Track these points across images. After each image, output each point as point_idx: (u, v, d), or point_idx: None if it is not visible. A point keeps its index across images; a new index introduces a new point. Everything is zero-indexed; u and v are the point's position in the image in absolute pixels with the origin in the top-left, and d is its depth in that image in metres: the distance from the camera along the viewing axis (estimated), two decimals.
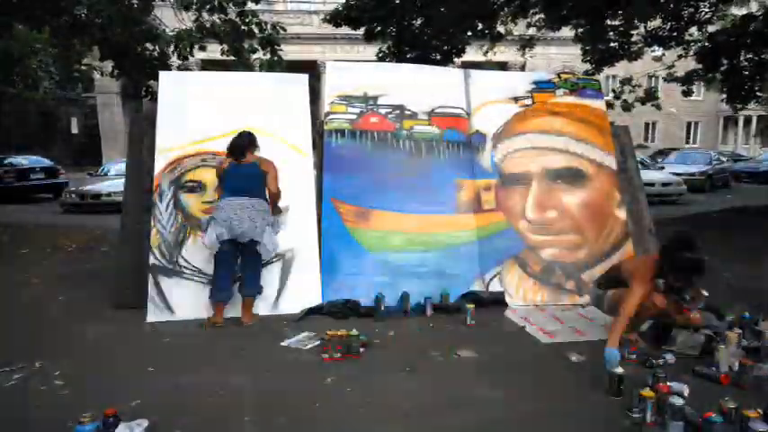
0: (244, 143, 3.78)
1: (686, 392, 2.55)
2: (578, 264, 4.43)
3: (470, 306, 3.75)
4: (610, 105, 9.71)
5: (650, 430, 2.32)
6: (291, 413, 2.49)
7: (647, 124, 29.45)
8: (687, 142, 30.52)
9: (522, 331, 3.65)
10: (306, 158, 4.38)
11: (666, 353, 3.12)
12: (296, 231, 4.17)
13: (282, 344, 3.33)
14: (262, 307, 3.93)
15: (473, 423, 2.42)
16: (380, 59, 9.86)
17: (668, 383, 2.53)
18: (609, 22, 9.44)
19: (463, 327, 3.69)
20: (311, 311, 3.91)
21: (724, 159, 17.22)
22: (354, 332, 3.20)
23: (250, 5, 7.89)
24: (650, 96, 11.27)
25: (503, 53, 12.19)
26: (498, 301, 4.14)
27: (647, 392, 2.37)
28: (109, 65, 8.87)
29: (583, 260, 4.45)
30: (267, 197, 3.77)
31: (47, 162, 13.09)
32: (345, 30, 10.24)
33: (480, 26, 9.68)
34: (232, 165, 3.73)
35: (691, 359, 3.08)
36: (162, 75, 4.55)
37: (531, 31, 10.77)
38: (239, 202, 3.62)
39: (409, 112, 4.59)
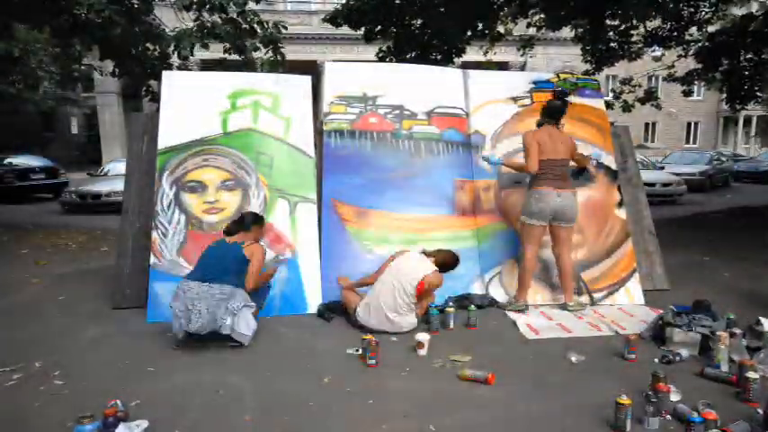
0: (235, 225, 3.57)
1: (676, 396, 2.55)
2: (578, 263, 4.42)
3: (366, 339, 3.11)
4: (609, 106, 9.72)
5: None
6: (291, 413, 2.49)
7: (646, 124, 29.46)
8: (687, 142, 30.54)
9: (520, 331, 3.65)
10: (308, 159, 4.38)
11: (682, 349, 3.13)
12: (297, 232, 4.19)
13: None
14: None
15: (473, 423, 2.42)
16: (380, 60, 9.87)
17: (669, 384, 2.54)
18: (609, 22, 9.45)
19: (464, 328, 3.70)
20: (327, 309, 3.90)
21: (724, 159, 17.22)
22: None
23: (251, 5, 7.89)
24: (650, 96, 11.27)
25: (503, 53, 12.21)
26: (492, 303, 4.13)
27: (623, 400, 2.31)
28: (109, 64, 8.89)
29: (582, 260, 4.45)
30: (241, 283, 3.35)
31: (47, 162, 13.09)
32: (345, 30, 10.24)
33: (480, 26, 9.69)
34: (216, 241, 3.48)
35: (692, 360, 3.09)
36: (164, 74, 4.56)
37: (531, 31, 10.78)
38: (198, 291, 3.21)
39: (408, 113, 4.60)
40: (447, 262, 3.76)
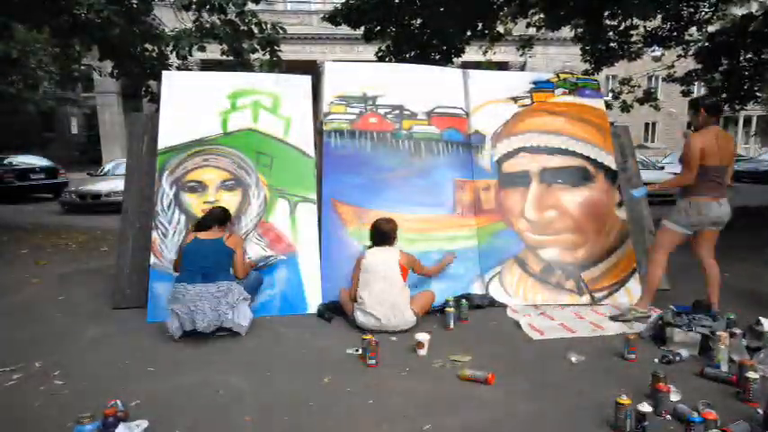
0: (211, 220, 3.65)
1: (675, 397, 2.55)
2: (578, 263, 4.43)
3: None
4: (608, 106, 9.72)
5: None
6: (291, 413, 2.49)
7: (646, 124, 29.44)
8: None
9: (520, 331, 3.65)
10: (308, 159, 4.38)
11: (682, 349, 3.12)
12: (297, 232, 4.19)
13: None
14: (262, 307, 3.93)
15: (473, 423, 2.42)
16: (380, 59, 9.87)
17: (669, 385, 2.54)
18: (608, 22, 9.45)
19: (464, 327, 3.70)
20: (327, 309, 3.90)
21: None
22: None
23: (250, 5, 7.90)
24: (649, 97, 11.27)
25: (503, 53, 12.22)
26: (492, 303, 4.13)
27: (623, 400, 2.30)
28: (108, 65, 8.89)
29: (582, 260, 4.44)
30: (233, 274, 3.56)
31: (47, 162, 13.08)
32: (345, 30, 10.25)
33: (480, 26, 9.69)
34: (194, 240, 3.51)
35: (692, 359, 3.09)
36: (164, 74, 4.56)
37: (531, 31, 10.78)
38: (197, 291, 3.33)
39: (408, 112, 4.60)
40: (374, 229, 3.82)
